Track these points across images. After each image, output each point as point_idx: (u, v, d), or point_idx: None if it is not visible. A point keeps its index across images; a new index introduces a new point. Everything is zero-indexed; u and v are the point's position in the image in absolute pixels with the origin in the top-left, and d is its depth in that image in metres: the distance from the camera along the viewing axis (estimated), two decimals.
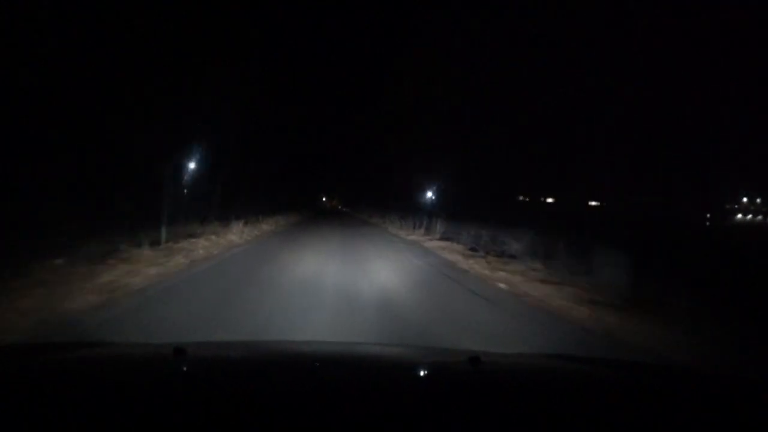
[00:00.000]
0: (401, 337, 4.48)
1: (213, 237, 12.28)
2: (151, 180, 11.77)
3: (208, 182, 18.98)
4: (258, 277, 7.67)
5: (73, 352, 1.74)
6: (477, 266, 10.02)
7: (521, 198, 40.65)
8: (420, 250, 13.93)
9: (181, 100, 14.23)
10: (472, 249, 13.19)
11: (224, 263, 9.33)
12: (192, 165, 13.78)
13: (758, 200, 53.08)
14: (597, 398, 1.31)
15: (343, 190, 75.55)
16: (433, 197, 28.79)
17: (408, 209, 25.85)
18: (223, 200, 20.30)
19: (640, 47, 16.25)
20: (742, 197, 52.37)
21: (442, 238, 16.86)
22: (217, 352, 1.87)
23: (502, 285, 7.75)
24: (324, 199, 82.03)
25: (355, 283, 7.16)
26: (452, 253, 12.77)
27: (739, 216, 51.36)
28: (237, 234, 14.12)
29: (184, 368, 1.45)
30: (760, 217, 52.18)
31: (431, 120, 27.11)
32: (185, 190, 14.60)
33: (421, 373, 1.64)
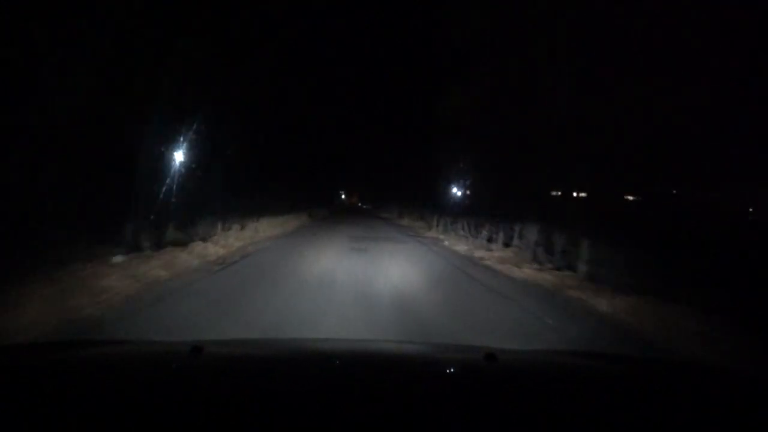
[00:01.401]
0: None
1: None
2: None
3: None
4: None
5: (90, 349, 1.63)
6: None
7: (553, 193, 33.95)
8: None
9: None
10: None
11: None
12: None
13: None
14: (612, 395, 1.25)
15: (363, 186, 66.45)
16: (460, 193, 27.28)
17: (444, 207, 21.60)
18: (194, 199, 12.56)
19: (674, 34, 12.58)
20: None
21: (588, 278, 6.78)
22: (234, 349, 1.75)
23: None
24: (343, 196, 72.96)
25: None
26: None
27: None
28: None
29: (202, 366, 1.35)
30: None
31: (462, 109, 23.57)
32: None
33: (438, 370, 1.54)
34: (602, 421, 1.03)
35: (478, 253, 10.47)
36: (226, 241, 10.38)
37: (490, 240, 12.22)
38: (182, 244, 8.93)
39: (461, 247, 11.80)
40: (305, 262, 8.41)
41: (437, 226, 17.54)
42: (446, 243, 13.17)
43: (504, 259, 9.52)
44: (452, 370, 1.54)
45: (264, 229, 14.33)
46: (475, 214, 17.53)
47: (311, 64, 31.40)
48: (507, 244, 11.35)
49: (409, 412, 1.03)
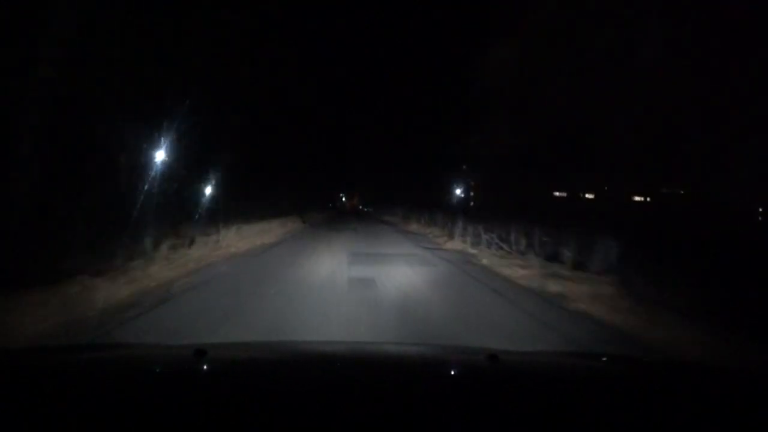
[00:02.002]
0: None
1: None
2: None
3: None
4: None
5: (93, 353, 1.60)
6: None
7: (557, 194, 32.47)
8: None
9: None
10: None
11: None
12: None
13: None
14: (613, 395, 1.22)
15: (363, 187, 62.93)
16: (464, 195, 26.09)
17: (452, 209, 20.43)
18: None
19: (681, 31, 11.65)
20: None
21: None
22: (238, 353, 1.72)
23: None
24: (344, 198, 69.29)
25: None
26: None
27: None
28: None
29: (205, 369, 1.31)
30: None
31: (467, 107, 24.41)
32: None
33: (441, 371, 1.50)
34: (603, 421, 1.01)
35: (553, 287, 6.40)
36: (146, 271, 6.34)
37: (553, 259, 8.21)
38: (62, 279, 4.93)
39: (514, 272, 7.75)
40: (262, 318, 4.39)
41: (462, 235, 13.47)
42: (485, 262, 9.13)
43: (602, 299, 5.50)
44: (454, 370, 1.49)
45: (233, 242, 10.32)
46: (506, 219, 13.75)
47: (313, 63, 31.32)
48: (583, 268, 7.37)
49: (411, 412, 1.01)
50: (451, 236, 14.99)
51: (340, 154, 45.88)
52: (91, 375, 1.22)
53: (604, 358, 1.94)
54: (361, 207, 60.11)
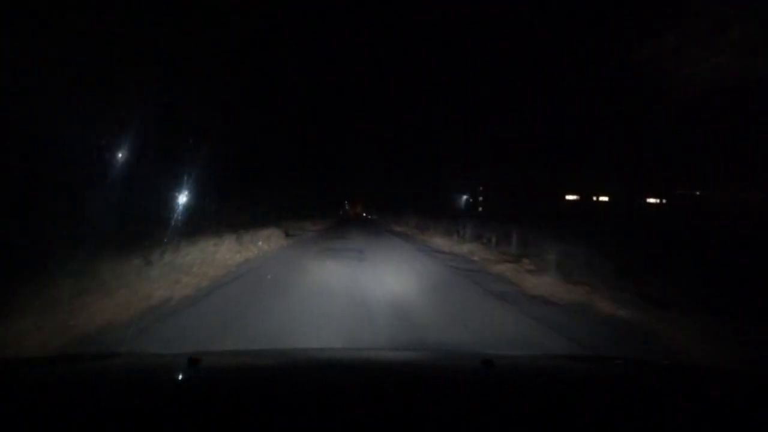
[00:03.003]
0: None
1: None
2: None
3: None
4: None
5: (88, 363, 1.55)
6: None
7: (570, 197, 31.77)
8: None
9: None
10: None
11: None
12: None
13: None
14: (612, 397, 1.19)
15: (366, 192, 57.94)
16: (472, 199, 26.15)
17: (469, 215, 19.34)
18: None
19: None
20: None
21: None
22: (232, 360, 1.69)
23: None
24: (347, 205, 64.44)
25: None
26: None
27: None
28: None
29: (200, 378, 1.28)
30: None
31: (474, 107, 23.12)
32: None
33: (436, 376, 1.46)
34: (600, 423, 0.98)
35: None
36: None
37: None
38: None
39: None
40: None
41: (559, 266, 7.38)
42: None
43: None
44: (449, 375, 1.46)
45: (81, 312, 4.34)
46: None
47: (314, 62, 28.64)
48: None
49: (407, 418, 0.99)
50: (517, 262, 9.06)
51: (343, 157, 41.40)
52: (83, 385, 1.18)
53: (601, 361, 1.90)
54: (365, 214, 54.43)
